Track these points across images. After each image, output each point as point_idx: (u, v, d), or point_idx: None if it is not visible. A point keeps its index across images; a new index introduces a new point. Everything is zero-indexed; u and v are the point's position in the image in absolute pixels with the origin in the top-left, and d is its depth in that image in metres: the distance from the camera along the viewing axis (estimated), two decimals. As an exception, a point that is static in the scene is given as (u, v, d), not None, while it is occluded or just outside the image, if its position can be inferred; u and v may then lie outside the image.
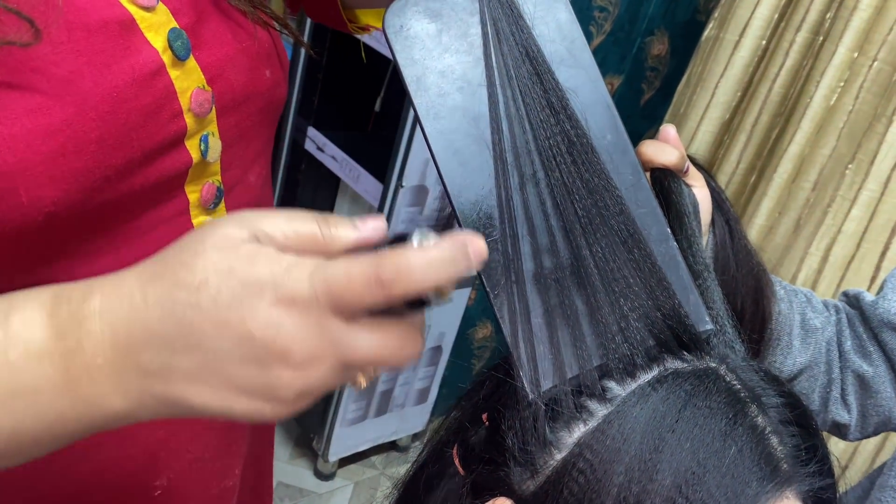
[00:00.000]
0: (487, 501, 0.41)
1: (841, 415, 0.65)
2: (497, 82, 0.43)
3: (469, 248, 0.29)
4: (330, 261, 0.29)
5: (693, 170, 0.55)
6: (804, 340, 0.64)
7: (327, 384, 0.30)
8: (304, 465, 1.81)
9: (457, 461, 0.46)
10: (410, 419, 1.87)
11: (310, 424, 1.78)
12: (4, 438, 0.31)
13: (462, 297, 1.78)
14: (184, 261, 0.30)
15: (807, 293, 0.67)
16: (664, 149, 0.53)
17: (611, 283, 0.41)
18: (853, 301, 0.67)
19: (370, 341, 0.30)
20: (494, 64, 0.43)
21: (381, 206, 1.51)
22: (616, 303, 0.41)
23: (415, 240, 0.30)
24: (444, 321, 1.77)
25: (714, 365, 0.41)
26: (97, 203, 0.39)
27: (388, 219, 1.53)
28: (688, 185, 0.53)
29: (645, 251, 0.43)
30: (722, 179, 1.40)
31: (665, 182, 0.52)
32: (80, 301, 0.31)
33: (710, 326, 0.43)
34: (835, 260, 1.23)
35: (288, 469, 1.79)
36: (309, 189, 1.87)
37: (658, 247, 0.43)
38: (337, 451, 1.75)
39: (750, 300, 0.57)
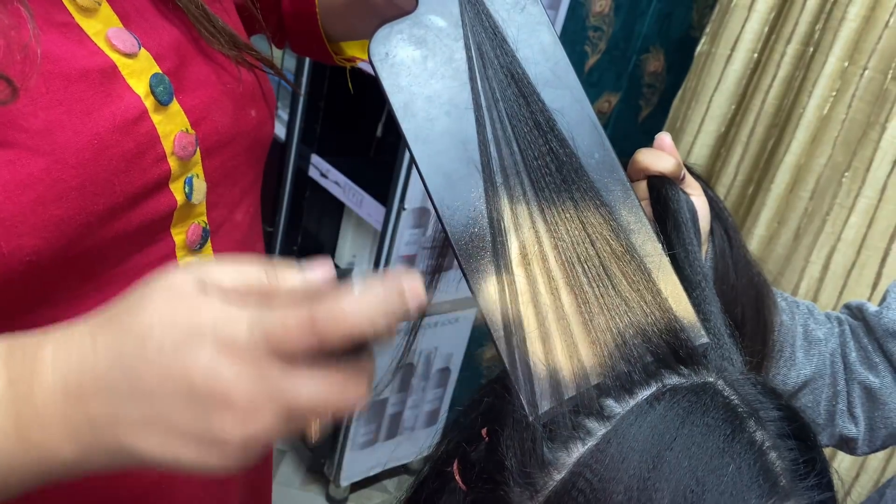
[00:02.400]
0: None
1: (849, 428, 0.65)
2: (483, 105, 0.44)
3: (406, 291, 0.30)
4: (269, 309, 0.30)
5: (690, 178, 0.55)
6: (807, 352, 0.64)
7: (273, 432, 0.31)
8: (316, 490, 1.81)
9: (458, 477, 0.46)
10: (421, 441, 1.87)
11: (320, 450, 1.78)
12: None
13: (468, 318, 1.78)
14: (131, 309, 0.31)
15: (808, 305, 0.67)
16: (660, 156, 0.53)
17: (606, 299, 0.42)
18: (856, 312, 0.67)
19: (310, 387, 0.30)
20: (480, 87, 0.45)
21: (385, 229, 1.53)
22: (612, 319, 0.41)
23: (355, 286, 0.31)
24: (452, 343, 1.78)
25: (711, 379, 0.41)
26: (80, 250, 0.40)
27: (392, 241, 1.54)
28: (685, 193, 0.53)
29: (640, 265, 0.43)
30: (720, 191, 1.41)
31: (662, 190, 0.52)
32: (33, 349, 0.32)
33: (706, 340, 0.43)
34: (836, 268, 1.23)
35: (300, 496, 1.79)
36: (314, 215, 1.88)
37: (650, 259, 0.44)
38: (348, 475, 1.75)
39: (751, 310, 0.57)
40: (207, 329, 0.29)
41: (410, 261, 1.58)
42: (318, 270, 0.32)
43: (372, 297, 0.29)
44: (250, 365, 0.29)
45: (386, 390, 1.71)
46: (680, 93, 1.50)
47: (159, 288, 0.31)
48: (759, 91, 1.33)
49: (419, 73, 0.44)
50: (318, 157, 1.74)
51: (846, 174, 1.22)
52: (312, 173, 1.76)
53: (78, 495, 0.46)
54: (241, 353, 0.29)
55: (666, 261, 0.44)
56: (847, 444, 0.66)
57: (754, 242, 1.33)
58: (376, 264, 1.60)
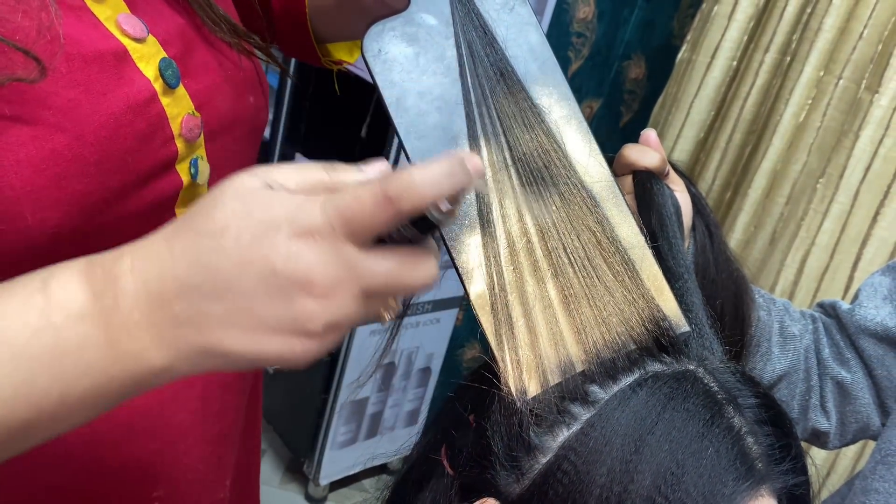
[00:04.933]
0: (475, 502, 0.43)
1: (820, 422, 0.67)
2: (473, 101, 0.46)
3: (467, 162, 0.31)
4: (338, 192, 0.31)
5: (674, 174, 0.57)
6: (783, 347, 0.66)
7: (352, 315, 0.32)
8: (295, 489, 1.81)
9: (445, 461, 0.47)
10: (400, 441, 1.87)
11: (300, 448, 1.78)
12: (55, 402, 0.32)
13: (450, 319, 1.79)
14: (204, 212, 0.32)
15: (784, 302, 0.69)
16: (646, 152, 0.54)
17: (591, 290, 0.43)
18: (829, 310, 0.69)
19: (386, 264, 0.31)
20: (470, 84, 0.46)
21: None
22: (597, 308, 0.43)
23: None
24: (433, 343, 1.79)
25: (692, 367, 0.42)
26: (96, 224, 0.41)
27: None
28: (670, 188, 0.55)
29: (623, 257, 0.44)
30: (699, 196, 1.44)
31: (647, 184, 0.54)
32: (112, 263, 0.33)
33: (687, 329, 0.44)
34: (810, 271, 1.26)
35: (279, 494, 1.78)
36: (296, 214, 1.88)
37: (633, 251, 0.45)
38: (328, 474, 1.75)
39: (730, 304, 0.59)
40: (282, 217, 0.30)
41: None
42: (377, 167, 0.33)
43: (438, 167, 0.30)
44: (327, 246, 0.30)
45: (366, 389, 1.71)
46: (661, 99, 1.53)
47: (228, 190, 0.32)
48: (737, 98, 1.36)
49: (411, 69, 0.45)
50: (303, 157, 1.74)
51: (820, 180, 1.25)
52: (296, 172, 1.76)
53: (89, 462, 0.47)
54: (318, 236, 0.30)
55: (649, 253, 0.45)
56: (819, 439, 0.68)
57: (732, 246, 1.36)
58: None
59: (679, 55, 1.47)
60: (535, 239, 0.44)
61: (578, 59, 1.73)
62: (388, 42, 0.45)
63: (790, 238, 1.28)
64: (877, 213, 1.18)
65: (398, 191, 0.30)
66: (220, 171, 0.50)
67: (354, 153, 1.88)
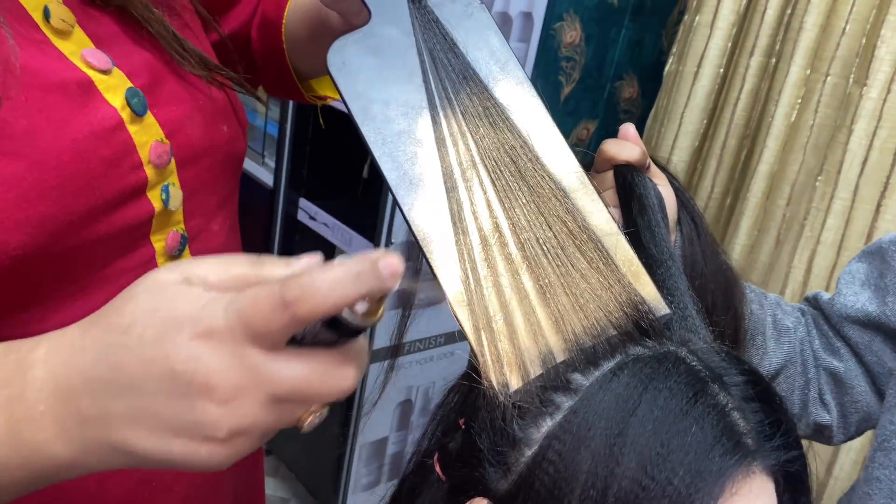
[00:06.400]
0: (465, 503, 0.42)
1: (821, 415, 0.66)
2: (438, 105, 0.46)
3: (380, 264, 0.28)
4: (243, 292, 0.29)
5: (655, 168, 0.57)
6: (778, 340, 0.65)
7: (259, 422, 0.30)
8: (320, 536, 1.78)
9: (437, 468, 0.46)
10: (424, 479, 1.84)
11: (323, 493, 1.76)
12: None
13: (464, 351, 1.78)
14: (117, 306, 0.31)
15: (776, 297, 0.68)
16: (625, 146, 0.55)
17: (566, 278, 0.43)
18: (813, 302, 0.69)
19: (292, 369, 0.29)
20: (434, 88, 0.47)
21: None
22: (573, 296, 0.42)
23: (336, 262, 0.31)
24: (449, 376, 1.77)
25: (675, 349, 0.42)
26: (63, 248, 0.42)
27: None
28: (651, 181, 0.55)
29: (597, 245, 0.44)
30: (699, 204, 1.43)
31: (628, 176, 0.54)
32: (28, 350, 0.32)
33: (667, 311, 0.44)
34: (819, 271, 1.24)
35: (305, 542, 1.76)
36: (304, 258, 1.90)
37: (607, 239, 0.45)
38: (352, 517, 1.73)
39: (721, 296, 0.58)
40: (186, 317, 0.29)
41: (403, 294, 1.59)
42: (304, 261, 0.31)
43: (342, 270, 0.28)
44: (229, 349, 0.29)
45: (384, 429, 1.70)
46: (652, 112, 1.54)
47: (144, 284, 0.31)
48: (727, 104, 1.37)
49: (375, 79, 0.46)
50: (307, 201, 1.77)
51: (819, 178, 1.24)
52: (301, 217, 1.78)
53: (65, 497, 0.46)
54: (219, 337, 0.29)
55: (623, 239, 0.45)
56: (822, 434, 0.67)
57: (736, 252, 1.35)
58: (368, 301, 1.60)
59: (666, 68, 1.49)
60: (507, 233, 0.44)
61: (570, 82, 1.75)
62: (350, 54, 0.47)
63: (795, 239, 1.27)
64: (879, 205, 1.17)
65: (295, 295, 0.28)
66: (196, 197, 0.51)
67: (357, 193, 1.91)
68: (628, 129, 0.56)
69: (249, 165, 1.86)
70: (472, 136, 0.46)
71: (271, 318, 0.28)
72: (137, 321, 0.30)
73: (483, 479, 0.42)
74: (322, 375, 0.30)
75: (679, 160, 1.44)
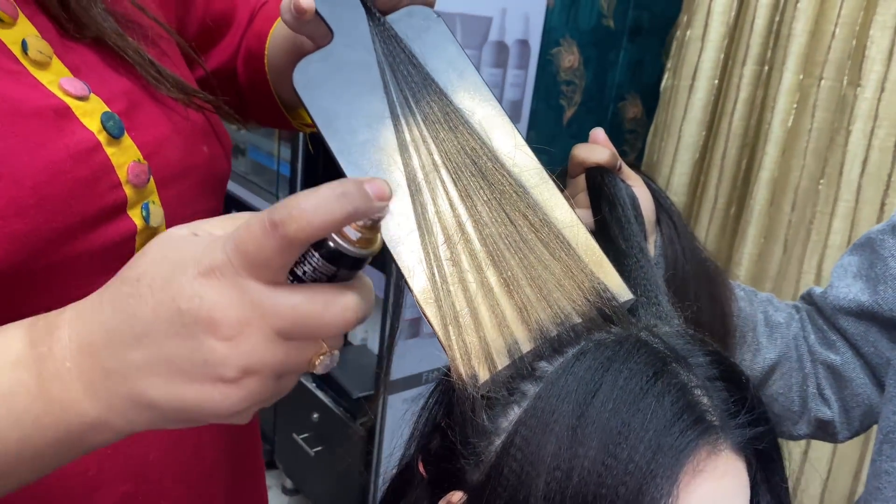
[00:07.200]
0: (443, 497, 0.43)
1: (822, 411, 0.65)
2: (399, 114, 0.48)
3: (366, 185, 0.29)
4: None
5: (628, 169, 0.58)
6: (770, 337, 0.65)
7: (268, 359, 0.30)
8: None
9: (420, 467, 0.47)
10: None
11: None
12: None
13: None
14: (130, 262, 0.33)
15: (768, 295, 0.68)
16: (594, 149, 0.56)
17: (530, 270, 0.44)
18: (807, 298, 0.68)
19: (292, 299, 0.30)
20: (395, 98, 0.49)
21: (387, 296, 1.55)
22: (537, 286, 0.43)
23: None
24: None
25: (637, 332, 0.42)
26: (46, 264, 0.43)
27: (396, 306, 1.56)
28: (623, 181, 0.56)
29: (558, 236, 0.45)
30: (704, 217, 1.43)
31: (598, 177, 0.55)
32: (55, 315, 0.34)
33: (630, 297, 0.45)
34: (828, 275, 1.22)
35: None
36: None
37: (568, 231, 0.46)
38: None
39: (706, 297, 0.58)
40: (188, 258, 0.30)
41: (416, 323, 1.60)
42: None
43: (326, 190, 0.28)
44: (230, 282, 0.29)
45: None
46: (652, 128, 1.55)
47: (155, 241, 0.32)
48: (724, 115, 1.38)
49: (339, 94, 0.49)
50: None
51: (821, 182, 1.24)
52: (313, 251, 1.81)
53: (56, 498, 0.47)
54: (220, 272, 0.30)
55: (583, 230, 0.46)
56: (826, 430, 0.66)
57: (745, 261, 1.34)
58: (382, 331, 1.61)
59: (662, 84, 1.50)
60: (471, 230, 0.45)
61: (572, 105, 1.77)
62: (314, 72, 0.49)
63: (802, 244, 1.26)
64: (883, 204, 1.16)
65: (282, 216, 0.28)
66: (178, 215, 0.53)
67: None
68: (598, 133, 0.58)
69: (263, 206, 1.90)
70: (434, 141, 0.48)
71: (263, 242, 0.29)
72: (147, 272, 0.31)
73: (459, 472, 0.42)
74: (323, 305, 0.30)
75: (681, 174, 1.45)
